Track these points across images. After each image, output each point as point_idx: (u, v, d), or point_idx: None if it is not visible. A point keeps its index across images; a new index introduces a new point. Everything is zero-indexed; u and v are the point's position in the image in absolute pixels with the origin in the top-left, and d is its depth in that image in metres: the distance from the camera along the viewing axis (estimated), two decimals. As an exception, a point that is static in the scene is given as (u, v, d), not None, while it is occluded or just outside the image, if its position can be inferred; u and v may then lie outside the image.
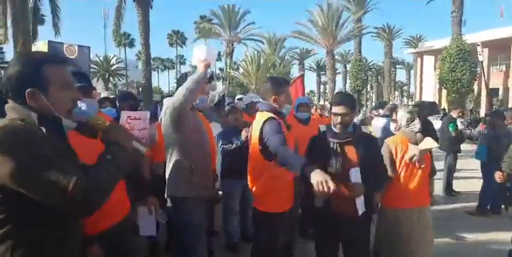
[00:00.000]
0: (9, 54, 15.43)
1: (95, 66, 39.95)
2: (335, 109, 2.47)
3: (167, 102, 2.53)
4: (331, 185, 1.88)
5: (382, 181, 2.65)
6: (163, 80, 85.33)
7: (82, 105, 1.95)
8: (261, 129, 2.50)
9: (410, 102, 52.93)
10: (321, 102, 29.77)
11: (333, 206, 2.41)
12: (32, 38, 14.19)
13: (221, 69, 54.62)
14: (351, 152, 2.43)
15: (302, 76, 5.92)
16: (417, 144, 2.93)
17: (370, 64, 51.47)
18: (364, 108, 25.92)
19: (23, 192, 1.15)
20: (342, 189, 2.23)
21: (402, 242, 2.87)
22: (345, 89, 45.55)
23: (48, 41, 16.03)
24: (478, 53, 3.91)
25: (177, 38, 56.64)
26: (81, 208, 1.20)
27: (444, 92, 25.38)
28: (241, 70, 30.82)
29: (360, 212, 2.35)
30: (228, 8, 34.87)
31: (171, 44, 57.75)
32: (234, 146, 3.69)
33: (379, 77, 56.59)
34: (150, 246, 3.72)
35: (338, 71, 46.74)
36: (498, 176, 3.10)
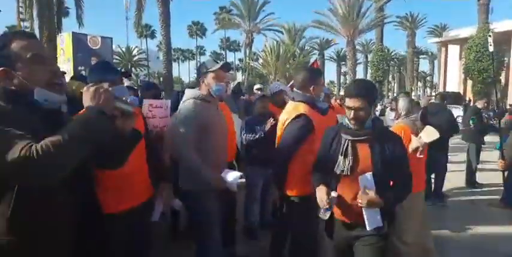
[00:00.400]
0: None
1: (117, 57, 40.64)
2: (348, 102, 2.03)
3: (188, 93, 2.61)
4: (327, 205, 1.98)
5: (404, 191, 2.11)
6: (183, 71, 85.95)
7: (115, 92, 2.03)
8: (289, 123, 2.57)
9: (433, 93, 51.61)
10: (341, 93, 29.36)
11: (337, 215, 2.15)
12: (57, 30, 14.54)
13: (240, 60, 54.63)
14: (365, 152, 2.02)
15: (316, 63, 5.92)
16: (418, 133, 2.96)
17: (392, 54, 50.24)
18: (384, 99, 25.47)
19: None
20: (349, 197, 2.03)
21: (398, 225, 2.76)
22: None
23: (72, 32, 16.43)
24: (489, 44, 3.86)
25: (197, 29, 56.81)
26: (31, 174, 1.14)
27: (469, 82, 24.62)
28: (260, 61, 30.69)
29: (369, 227, 1.97)
30: (247, -2, 34.65)
31: (191, 35, 57.99)
32: (257, 136, 3.72)
33: (401, 68, 55.27)
34: (170, 229, 3.86)
35: (359, 61, 45.95)
36: (500, 163, 3.10)
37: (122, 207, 2.09)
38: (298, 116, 2.53)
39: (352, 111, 1.99)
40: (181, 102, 2.63)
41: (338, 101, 7.95)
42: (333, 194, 2.02)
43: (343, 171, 2.02)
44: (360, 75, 47.07)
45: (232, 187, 2.49)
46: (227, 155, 2.85)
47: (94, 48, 16.51)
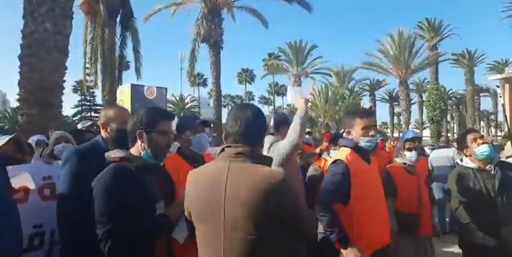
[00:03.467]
0: (98, 97, 17.25)
1: (171, 105, 42.90)
2: None
3: (269, 140, 2.68)
4: None
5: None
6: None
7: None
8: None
9: (498, 133, 47.70)
10: (395, 134, 28.08)
11: None
12: (118, 83, 15.70)
13: (288, 104, 55.24)
14: None
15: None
16: None
17: (450, 93, 48.01)
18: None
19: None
20: None
21: None
22: (422, 119, 42.76)
23: (131, 84, 17.71)
24: (499, 96, 3.38)
25: (246, 76, 59.11)
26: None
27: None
28: (308, 104, 30.71)
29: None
30: (295, 44, 35.64)
31: (240, 82, 60.36)
32: None
33: (460, 106, 52.35)
34: None
35: (413, 101, 44.30)
36: None
37: None
38: (333, 162, 2.44)
39: None
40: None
41: (392, 143, 7.43)
42: None
43: None
44: (414, 115, 45.20)
45: (305, 91, 2.99)
46: None
47: (150, 98, 17.55)
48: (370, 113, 2.57)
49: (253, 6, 20.62)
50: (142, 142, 1.78)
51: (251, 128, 1.52)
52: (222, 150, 1.54)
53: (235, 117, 1.54)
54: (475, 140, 2.71)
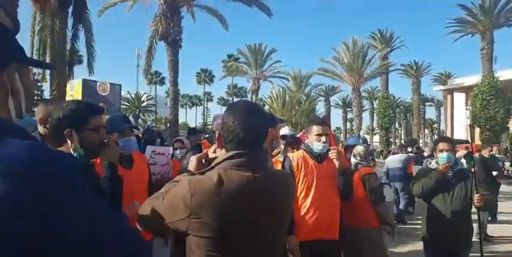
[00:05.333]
0: (47, 92, 16.38)
1: (126, 103, 41.59)
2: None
3: None
4: None
5: None
6: (191, 116, 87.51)
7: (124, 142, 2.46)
8: None
9: (441, 140, 51.11)
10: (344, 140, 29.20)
11: None
12: (68, 77, 14.98)
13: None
14: None
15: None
16: None
17: (398, 101, 50.81)
18: (392, 146, 25.17)
19: None
20: None
21: None
22: (372, 126, 44.83)
23: (83, 79, 16.98)
24: (467, 117, 4.01)
25: (205, 76, 58.60)
26: None
27: (477, 130, 24.41)
28: (266, 107, 31.15)
29: None
30: (254, 47, 36.04)
31: (199, 82, 59.72)
32: None
33: (407, 114, 55.53)
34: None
35: (365, 107, 46.39)
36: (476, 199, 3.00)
37: None
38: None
39: None
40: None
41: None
42: None
43: None
44: (366, 122, 47.30)
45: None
46: None
47: (103, 94, 16.97)
48: (324, 123, 2.91)
49: (214, 6, 20.63)
50: (72, 141, 1.63)
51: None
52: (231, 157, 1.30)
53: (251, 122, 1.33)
54: (441, 150, 3.22)
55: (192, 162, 1.50)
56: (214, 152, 1.45)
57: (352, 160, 3.60)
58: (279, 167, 2.87)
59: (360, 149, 3.64)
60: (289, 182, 1.49)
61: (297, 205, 2.65)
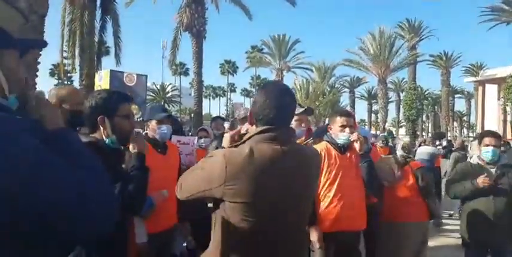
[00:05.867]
0: (76, 82, 16.87)
1: (151, 94, 42.32)
2: None
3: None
4: None
5: None
6: (214, 107, 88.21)
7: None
8: None
9: (471, 134, 49.43)
10: (372, 132, 28.71)
11: None
12: (96, 68, 15.38)
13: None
14: None
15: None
16: None
17: (426, 93, 49.29)
18: (419, 139, 24.56)
19: None
20: None
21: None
22: (399, 118, 43.83)
23: (111, 70, 17.37)
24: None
25: (229, 67, 58.76)
26: None
27: (510, 123, 23.43)
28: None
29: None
30: (278, 38, 35.71)
31: (222, 73, 59.97)
32: None
33: (435, 107, 53.87)
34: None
35: (391, 99, 45.31)
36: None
37: (159, 229, 2.42)
38: None
39: None
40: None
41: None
42: None
43: None
44: (392, 114, 46.27)
45: None
46: None
47: (129, 85, 17.29)
48: (349, 114, 2.90)
49: (238, -3, 20.54)
50: (104, 128, 1.72)
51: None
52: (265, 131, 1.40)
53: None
54: (487, 144, 3.10)
55: (226, 138, 1.61)
56: (246, 130, 1.54)
57: (399, 153, 3.56)
58: None
59: (406, 142, 3.66)
60: (313, 155, 1.59)
61: (320, 197, 2.65)
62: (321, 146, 2.78)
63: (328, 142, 2.82)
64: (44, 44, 1.15)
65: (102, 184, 0.89)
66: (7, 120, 0.83)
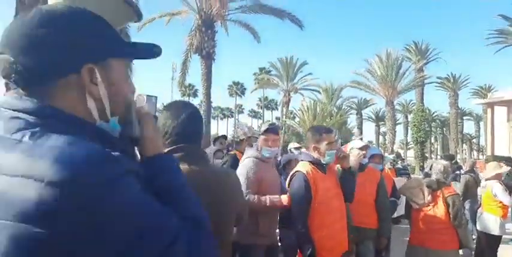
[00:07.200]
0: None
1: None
2: None
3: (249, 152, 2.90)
4: None
5: None
6: (222, 128, 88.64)
7: None
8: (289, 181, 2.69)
9: (480, 156, 48.70)
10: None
11: None
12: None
13: (277, 118, 55.58)
14: None
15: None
16: None
17: (434, 115, 49.10)
18: (427, 161, 24.25)
19: None
20: None
21: None
22: (407, 140, 43.50)
23: (121, 91, 17.68)
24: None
25: (237, 89, 59.47)
26: None
27: (521, 146, 23.08)
28: (297, 119, 31.02)
29: None
30: (286, 60, 36.24)
31: (231, 94, 60.65)
32: None
33: (444, 129, 53.50)
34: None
35: (398, 121, 45.15)
36: None
37: None
38: (293, 173, 2.69)
39: None
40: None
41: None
42: None
43: None
44: (400, 135, 45.97)
45: None
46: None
47: (140, 105, 17.57)
48: (332, 130, 2.89)
49: (247, 20, 21.04)
50: None
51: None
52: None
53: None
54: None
55: None
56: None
57: (435, 176, 3.33)
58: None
59: (441, 164, 3.40)
60: (227, 180, 1.48)
61: (313, 223, 2.50)
62: (305, 168, 2.59)
63: (310, 162, 2.63)
64: (159, 52, 0.86)
65: (208, 247, 0.74)
66: (113, 162, 0.64)
